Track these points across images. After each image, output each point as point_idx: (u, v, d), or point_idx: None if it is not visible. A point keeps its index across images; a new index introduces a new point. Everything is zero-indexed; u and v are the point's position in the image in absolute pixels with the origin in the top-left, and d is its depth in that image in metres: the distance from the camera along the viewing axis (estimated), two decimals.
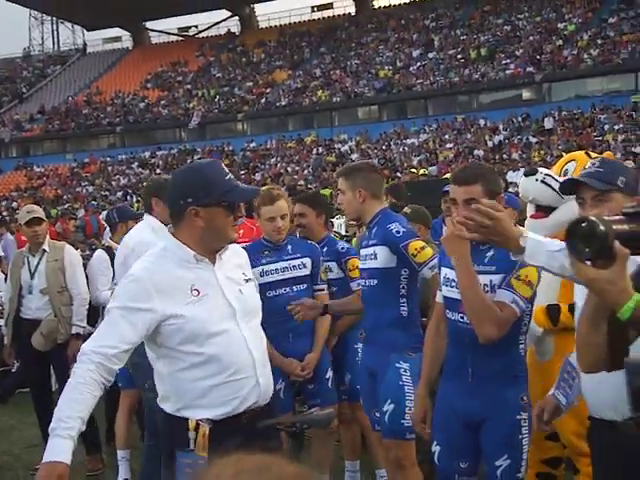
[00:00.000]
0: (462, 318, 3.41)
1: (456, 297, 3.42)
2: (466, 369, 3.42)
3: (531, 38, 38.71)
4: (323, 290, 4.89)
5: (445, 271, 3.53)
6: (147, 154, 44.44)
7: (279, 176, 34.53)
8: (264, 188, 4.88)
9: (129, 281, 2.85)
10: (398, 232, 4.14)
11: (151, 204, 4.72)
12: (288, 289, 4.73)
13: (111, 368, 2.72)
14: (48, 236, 6.21)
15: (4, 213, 34.01)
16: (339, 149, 37.83)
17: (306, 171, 35.14)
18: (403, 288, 4.19)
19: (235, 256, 3.06)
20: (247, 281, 3.04)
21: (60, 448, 2.52)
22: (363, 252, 4.34)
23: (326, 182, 28.81)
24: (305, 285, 4.78)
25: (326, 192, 28.47)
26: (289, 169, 36.28)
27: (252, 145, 41.84)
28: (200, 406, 2.83)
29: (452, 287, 3.47)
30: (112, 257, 5.75)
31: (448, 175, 15.46)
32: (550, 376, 3.81)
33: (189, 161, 39.57)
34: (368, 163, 4.89)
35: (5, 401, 8.36)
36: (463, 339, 3.41)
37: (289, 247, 4.80)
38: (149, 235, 4.57)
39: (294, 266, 4.77)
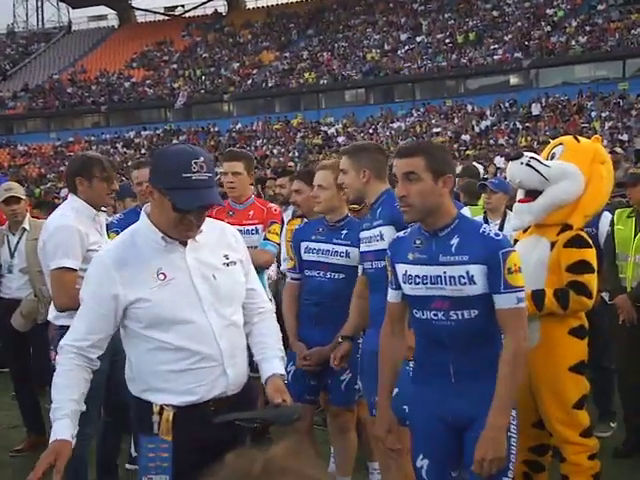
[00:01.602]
0: (436, 315, 3.09)
1: (425, 294, 3.11)
2: (446, 369, 3.12)
3: (519, 24, 38.73)
4: None
5: (404, 268, 3.18)
6: (132, 134, 44.21)
7: (265, 158, 34.43)
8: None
9: (94, 266, 2.82)
10: None
11: (75, 183, 4.41)
12: (322, 273, 4.50)
13: (90, 357, 2.78)
14: (29, 214, 6.11)
15: None
16: (325, 132, 37.75)
17: (291, 153, 35.03)
18: None
19: (221, 236, 2.93)
20: (228, 264, 2.87)
21: (58, 430, 2.65)
22: (365, 234, 4.13)
23: (312, 164, 28.72)
24: (343, 275, 4.46)
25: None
26: (275, 151, 36.18)
27: (238, 126, 41.74)
28: (163, 390, 2.77)
29: (417, 284, 3.13)
30: None
31: None
32: (535, 362, 3.82)
33: (174, 142, 39.39)
34: (373, 143, 4.71)
35: None
36: (440, 338, 3.10)
37: (344, 232, 4.49)
38: (69, 219, 4.32)
39: (336, 252, 4.48)
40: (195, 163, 2.70)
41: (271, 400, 2.81)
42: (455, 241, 3.04)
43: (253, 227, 5.23)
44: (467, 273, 3.00)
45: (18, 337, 5.87)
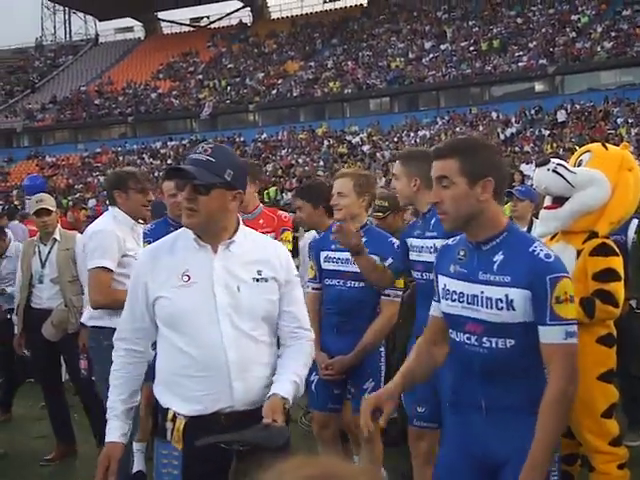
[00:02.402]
0: (469, 339, 2.73)
1: (460, 313, 2.76)
2: (478, 401, 2.74)
3: (544, 30, 38.53)
4: (389, 296, 4.45)
5: (444, 280, 2.86)
6: (158, 144, 44.51)
7: (290, 167, 34.53)
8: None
9: (139, 257, 2.99)
10: None
11: (114, 196, 4.75)
12: (342, 282, 4.47)
13: (138, 349, 2.89)
14: (59, 225, 6.20)
15: (16, 202, 34.14)
16: (350, 141, 37.76)
17: (316, 162, 35.09)
18: None
19: (263, 252, 2.88)
20: (258, 280, 2.80)
21: (109, 432, 2.83)
22: (418, 242, 4.04)
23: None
24: (363, 284, 4.38)
25: (271, 191, 28.52)
26: (300, 160, 36.26)
27: (263, 136, 41.84)
28: (176, 395, 2.78)
29: (454, 301, 2.79)
30: None
31: None
32: None
33: None
34: (427, 151, 4.58)
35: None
36: (472, 366, 2.74)
37: (363, 240, 4.28)
38: (108, 224, 4.67)
39: None
40: (202, 147, 2.77)
41: (264, 418, 2.63)
42: (499, 258, 2.67)
43: (265, 235, 5.21)
44: (506, 297, 2.62)
45: (49, 347, 5.92)
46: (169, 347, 2.80)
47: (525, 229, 6.02)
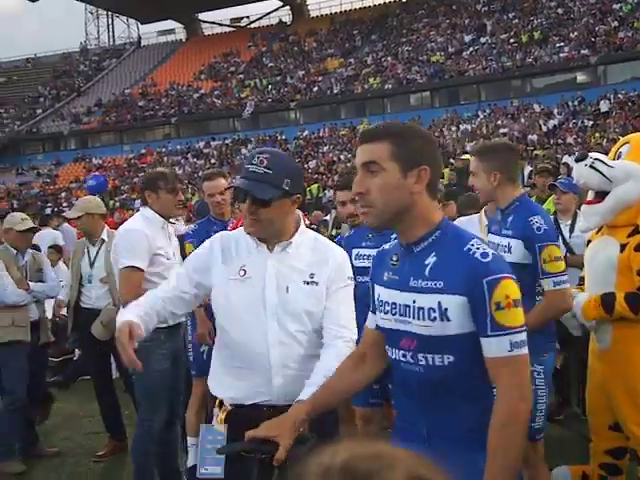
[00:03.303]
0: (404, 356, 2.32)
1: (393, 327, 2.35)
2: (419, 429, 2.32)
3: (585, 20, 38.04)
4: None
5: (378, 290, 2.46)
6: (201, 144, 44.95)
7: (332, 164, 34.68)
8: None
9: (212, 239, 3.04)
10: (539, 229, 3.75)
11: (145, 197, 4.89)
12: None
13: (168, 308, 2.96)
14: (107, 226, 6.35)
15: (64, 204, 34.90)
16: None
17: None
18: (539, 285, 3.82)
19: (320, 257, 2.94)
20: (308, 283, 2.87)
21: (123, 316, 2.80)
22: (493, 239, 3.98)
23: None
24: None
25: (313, 188, 28.45)
26: (342, 157, 36.38)
27: (305, 134, 42.04)
28: (221, 383, 2.94)
29: (386, 313, 2.38)
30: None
31: None
32: (609, 365, 3.82)
33: (243, 151, 40.02)
34: (505, 143, 4.47)
35: (67, 388, 8.54)
36: (409, 387, 2.35)
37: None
38: (138, 224, 4.78)
39: None
40: (257, 157, 2.81)
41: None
42: (431, 260, 2.26)
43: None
44: (439, 305, 2.21)
45: (99, 346, 6.01)
46: (222, 338, 2.94)
47: (569, 222, 6.07)
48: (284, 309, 2.83)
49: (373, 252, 4.42)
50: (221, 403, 2.92)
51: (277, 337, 2.82)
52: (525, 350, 2.21)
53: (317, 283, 2.87)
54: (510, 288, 2.16)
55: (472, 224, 5.57)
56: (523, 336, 2.20)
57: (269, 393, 2.82)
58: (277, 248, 2.89)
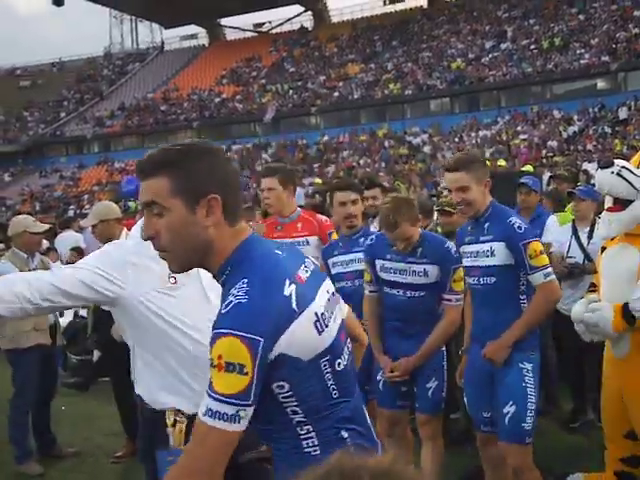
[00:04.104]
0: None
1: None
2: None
3: (606, 27, 37.96)
4: (450, 301, 4.45)
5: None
6: (223, 148, 45.03)
7: (352, 169, 34.84)
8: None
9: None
10: (520, 228, 3.92)
11: None
12: (402, 292, 4.47)
13: (34, 301, 2.86)
14: (125, 229, 6.26)
15: (86, 207, 35.23)
16: (411, 142, 37.88)
17: (377, 164, 35.33)
18: (523, 285, 3.98)
19: None
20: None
21: None
22: (472, 248, 4.09)
23: (398, 174, 28.94)
24: (423, 293, 4.43)
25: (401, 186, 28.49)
26: (361, 162, 36.52)
27: (325, 138, 42.20)
28: (176, 394, 2.83)
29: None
30: None
31: (525, 167, 15.43)
32: (626, 374, 3.83)
33: (263, 155, 40.24)
34: (472, 152, 4.60)
35: (86, 389, 8.38)
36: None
37: (419, 250, 4.39)
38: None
39: (414, 271, 4.41)
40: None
41: None
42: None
43: (303, 239, 5.26)
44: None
45: (117, 347, 5.82)
46: (161, 351, 2.85)
47: (587, 229, 6.02)
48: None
49: (398, 265, 4.55)
50: (174, 422, 2.81)
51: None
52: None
53: None
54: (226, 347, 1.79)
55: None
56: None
57: None
58: None
